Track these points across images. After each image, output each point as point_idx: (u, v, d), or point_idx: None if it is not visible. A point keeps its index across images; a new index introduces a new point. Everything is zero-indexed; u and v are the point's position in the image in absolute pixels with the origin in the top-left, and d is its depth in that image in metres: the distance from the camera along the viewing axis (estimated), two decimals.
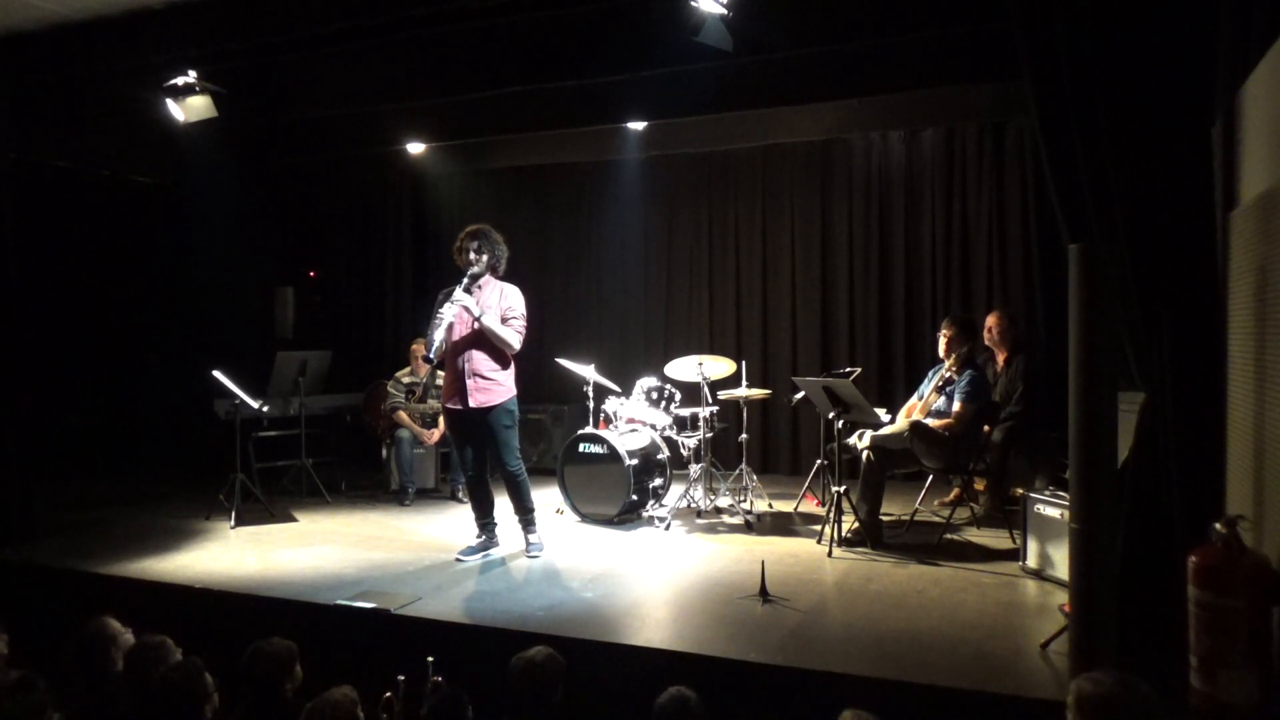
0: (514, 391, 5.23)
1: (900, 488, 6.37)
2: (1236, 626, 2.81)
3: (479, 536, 5.37)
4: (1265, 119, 3.11)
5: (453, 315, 5.04)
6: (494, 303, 5.15)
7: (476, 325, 5.06)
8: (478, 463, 5.27)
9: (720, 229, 8.30)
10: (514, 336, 5.12)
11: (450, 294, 5.09)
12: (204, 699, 2.98)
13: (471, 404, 5.08)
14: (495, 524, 5.41)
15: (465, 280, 5.10)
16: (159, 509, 6.80)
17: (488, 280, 5.20)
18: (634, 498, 6.05)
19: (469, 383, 5.08)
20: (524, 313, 5.21)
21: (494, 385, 5.11)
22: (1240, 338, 3.41)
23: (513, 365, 5.24)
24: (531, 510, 5.38)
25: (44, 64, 5.89)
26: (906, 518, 5.80)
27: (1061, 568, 4.40)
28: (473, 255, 5.12)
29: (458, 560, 5.22)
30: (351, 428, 7.99)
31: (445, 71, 6.29)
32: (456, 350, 5.12)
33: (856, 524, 5.41)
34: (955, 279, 7.43)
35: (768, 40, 5.36)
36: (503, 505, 5.45)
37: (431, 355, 5.06)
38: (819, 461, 6.36)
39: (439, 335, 5.02)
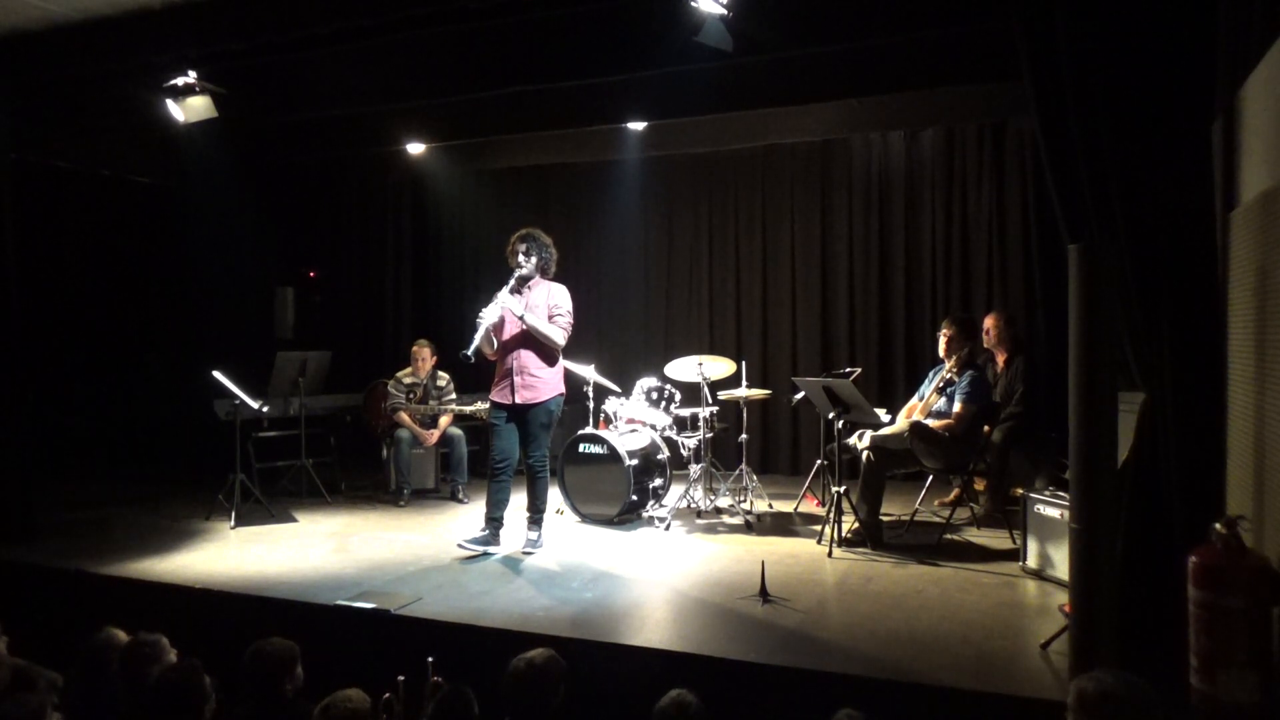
0: (560, 391, 5.40)
1: (900, 488, 6.38)
2: (1236, 626, 2.82)
3: (483, 530, 5.39)
4: (1265, 119, 3.11)
5: (493, 318, 5.20)
6: (541, 301, 5.31)
7: (523, 324, 5.19)
8: (509, 458, 5.36)
9: (720, 229, 8.30)
10: (558, 333, 5.29)
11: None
12: (203, 700, 2.98)
13: (518, 400, 5.25)
14: (502, 525, 5.43)
15: (513, 282, 5.28)
16: (159, 509, 6.80)
17: (537, 281, 5.37)
18: (634, 498, 6.05)
19: (516, 379, 5.25)
20: (570, 310, 5.37)
21: (539, 383, 5.28)
22: (1240, 338, 3.40)
23: (560, 365, 5.41)
24: (542, 511, 5.48)
25: (44, 64, 5.89)
26: (906, 518, 5.79)
27: (1061, 568, 4.40)
28: (521, 258, 5.31)
29: (459, 546, 5.30)
30: (351, 428, 7.99)
31: (445, 71, 6.28)
32: (506, 348, 5.30)
33: (856, 524, 5.41)
34: (955, 279, 7.43)
35: (768, 40, 5.35)
36: (513, 505, 5.48)
37: (469, 353, 5.13)
38: (819, 461, 6.36)
39: (478, 336, 5.15)
